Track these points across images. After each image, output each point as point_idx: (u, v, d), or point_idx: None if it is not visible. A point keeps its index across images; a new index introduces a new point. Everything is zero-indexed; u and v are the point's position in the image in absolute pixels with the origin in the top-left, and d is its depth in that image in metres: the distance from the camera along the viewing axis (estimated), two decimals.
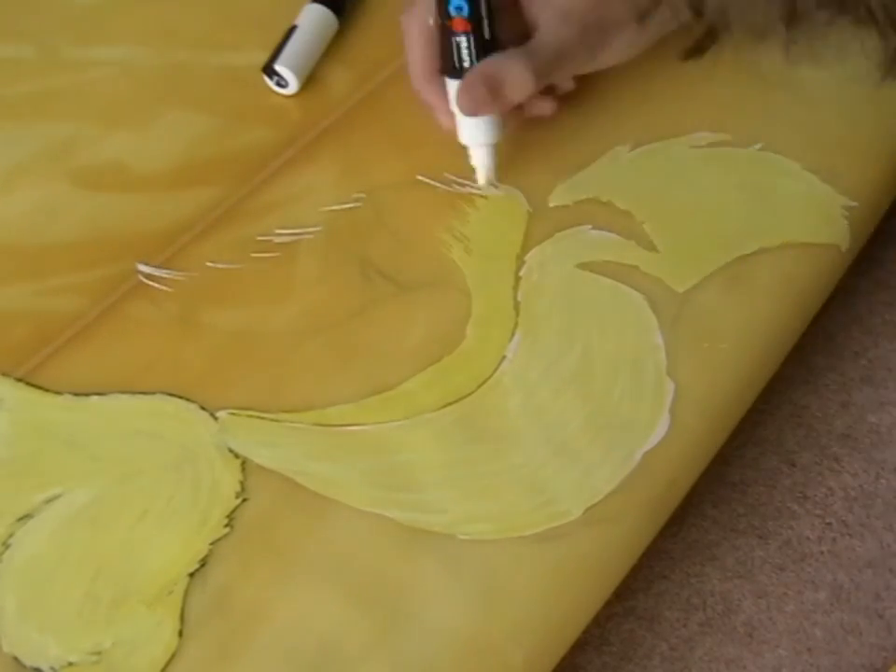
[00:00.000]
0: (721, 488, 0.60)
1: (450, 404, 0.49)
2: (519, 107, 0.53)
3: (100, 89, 0.60)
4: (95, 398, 0.49)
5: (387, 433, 0.48)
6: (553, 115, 0.55)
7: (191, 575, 0.44)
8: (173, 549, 0.45)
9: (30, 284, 0.52)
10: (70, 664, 0.42)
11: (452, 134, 0.53)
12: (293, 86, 0.59)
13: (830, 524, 0.57)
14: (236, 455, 0.47)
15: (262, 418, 0.48)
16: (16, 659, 0.42)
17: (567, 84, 0.55)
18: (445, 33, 0.49)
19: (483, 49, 0.49)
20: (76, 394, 0.49)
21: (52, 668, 0.42)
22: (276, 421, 0.48)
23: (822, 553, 0.55)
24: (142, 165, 0.57)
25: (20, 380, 0.49)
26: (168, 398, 0.49)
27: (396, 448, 0.47)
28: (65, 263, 0.53)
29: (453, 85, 0.50)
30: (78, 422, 0.48)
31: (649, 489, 0.47)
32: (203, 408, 0.48)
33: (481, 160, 0.53)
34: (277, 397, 0.49)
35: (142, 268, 0.52)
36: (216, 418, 0.48)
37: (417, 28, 0.51)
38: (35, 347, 0.50)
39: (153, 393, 0.49)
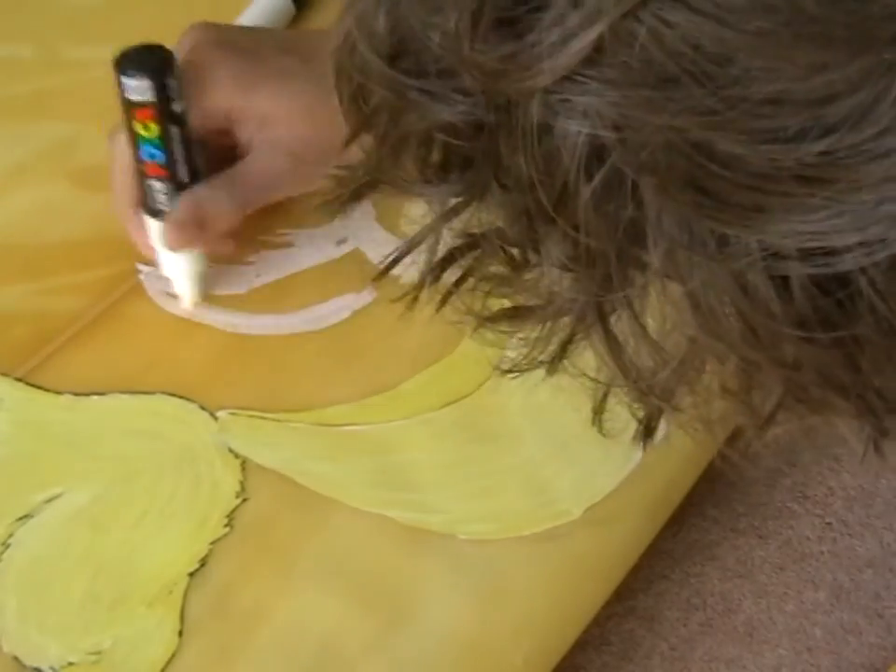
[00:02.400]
0: (721, 488, 0.60)
1: (450, 404, 0.49)
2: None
3: (100, 89, 0.60)
4: (95, 397, 0.49)
5: (387, 433, 0.48)
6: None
7: (191, 575, 0.44)
8: (173, 549, 0.45)
9: (30, 284, 0.52)
10: (70, 663, 0.42)
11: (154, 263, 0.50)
12: None
13: (830, 523, 0.57)
14: (236, 455, 0.47)
15: (262, 418, 0.48)
16: (16, 659, 0.42)
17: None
18: (140, 174, 0.46)
19: (181, 189, 0.46)
20: (75, 394, 0.49)
21: (52, 668, 0.42)
22: (276, 421, 0.48)
23: (822, 552, 0.55)
24: None
25: (19, 380, 0.49)
26: (168, 398, 0.49)
27: (396, 448, 0.47)
28: (65, 263, 0.53)
29: (153, 224, 0.47)
30: (78, 422, 0.48)
31: (649, 489, 0.47)
32: (202, 408, 0.48)
33: (186, 288, 0.50)
34: (277, 397, 0.49)
35: (142, 268, 0.52)
36: (216, 418, 0.48)
37: (120, 158, 0.47)
38: (34, 347, 0.50)
39: (153, 393, 0.49)
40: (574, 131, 0.20)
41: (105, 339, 0.50)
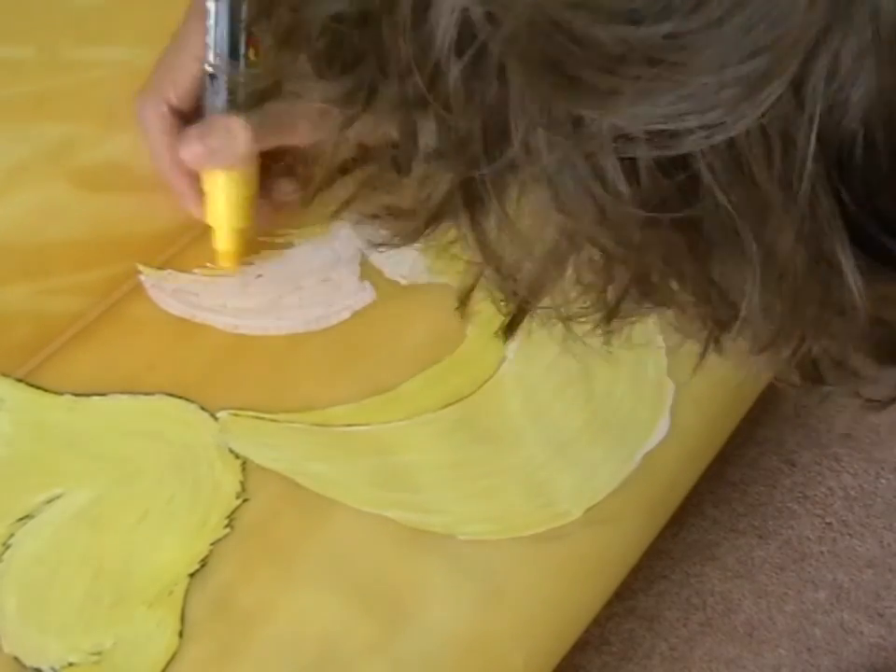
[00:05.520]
0: (721, 488, 0.60)
1: (450, 404, 0.49)
2: (267, 195, 0.50)
3: (100, 89, 0.60)
4: (96, 398, 0.49)
5: (387, 433, 0.48)
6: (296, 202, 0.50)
7: (192, 575, 0.44)
8: (173, 549, 0.45)
9: (30, 284, 0.52)
10: (70, 664, 0.42)
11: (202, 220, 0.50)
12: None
13: (830, 523, 0.57)
14: (237, 456, 0.47)
15: (263, 418, 0.48)
16: (16, 659, 0.42)
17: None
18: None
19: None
20: (76, 394, 0.49)
21: (53, 668, 0.42)
22: (276, 421, 0.48)
23: (822, 552, 0.55)
24: (142, 165, 0.57)
25: (20, 380, 0.49)
26: (168, 398, 0.49)
27: (396, 448, 0.47)
28: (65, 263, 0.53)
29: None
30: (79, 422, 0.48)
31: (649, 489, 0.47)
32: (203, 408, 0.48)
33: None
34: (277, 397, 0.49)
35: (142, 268, 0.52)
36: (216, 418, 0.48)
37: (155, 115, 0.49)
38: (35, 347, 0.50)
39: (153, 393, 0.49)
40: (447, 8, 0.21)
41: (105, 339, 0.50)
